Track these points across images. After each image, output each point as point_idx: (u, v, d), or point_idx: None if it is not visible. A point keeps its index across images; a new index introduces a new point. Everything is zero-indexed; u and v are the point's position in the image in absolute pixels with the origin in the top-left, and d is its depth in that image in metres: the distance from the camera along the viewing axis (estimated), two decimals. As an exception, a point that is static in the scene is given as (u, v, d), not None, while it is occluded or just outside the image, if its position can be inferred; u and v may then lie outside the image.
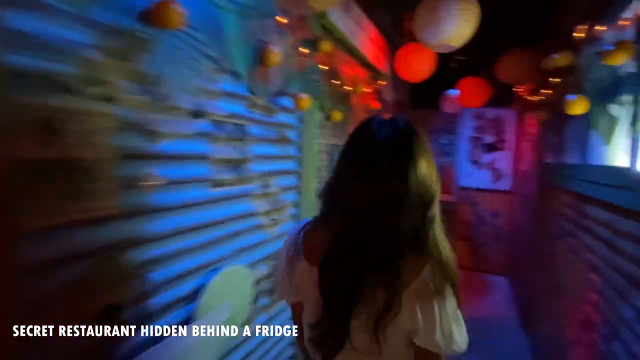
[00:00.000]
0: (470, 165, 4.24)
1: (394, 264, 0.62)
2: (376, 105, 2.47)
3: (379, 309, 0.62)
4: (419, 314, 0.63)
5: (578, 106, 1.40)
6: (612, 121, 1.28)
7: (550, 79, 2.05)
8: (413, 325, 0.63)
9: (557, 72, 1.97)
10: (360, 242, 0.64)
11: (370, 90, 2.40)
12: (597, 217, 1.43)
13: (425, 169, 0.65)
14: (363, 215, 0.64)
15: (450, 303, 0.64)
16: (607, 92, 1.26)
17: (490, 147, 4.13)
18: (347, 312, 0.64)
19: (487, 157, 4.16)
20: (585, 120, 1.62)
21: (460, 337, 0.65)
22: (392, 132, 0.66)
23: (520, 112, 3.57)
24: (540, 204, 2.55)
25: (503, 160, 4.07)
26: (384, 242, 0.63)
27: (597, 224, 1.41)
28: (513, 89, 3.32)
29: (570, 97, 1.43)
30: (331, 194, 0.72)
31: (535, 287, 2.53)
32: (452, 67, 3.22)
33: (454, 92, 3.29)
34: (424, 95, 4.38)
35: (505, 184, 4.07)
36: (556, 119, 2.12)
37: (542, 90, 2.27)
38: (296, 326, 0.85)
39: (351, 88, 2.06)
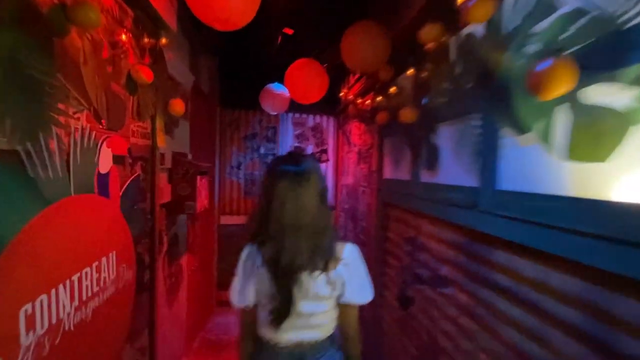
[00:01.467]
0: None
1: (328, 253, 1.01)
2: (147, 74, 1.35)
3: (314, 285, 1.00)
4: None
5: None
6: (549, 121, 0.77)
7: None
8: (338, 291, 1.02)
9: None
10: (292, 240, 0.97)
11: (123, 38, 1.26)
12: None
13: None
14: (297, 223, 0.98)
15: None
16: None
17: (313, 159, 3.77)
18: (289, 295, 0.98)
19: (309, 170, 3.76)
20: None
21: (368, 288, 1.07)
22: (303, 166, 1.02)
23: (345, 118, 3.32)
24: (380, 225, 2.17)
25: (327, 173, 3.77)
26: (316, 235, 0.99)
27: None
28: (340, 93, 2.98)
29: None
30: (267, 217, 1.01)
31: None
32: (277, 49, 2.52)
33: (278, 87, 2.62)
34: (240, 92, 3.53)
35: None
36: (402, 126, 1.71)
37: (389, 90, 1.85)
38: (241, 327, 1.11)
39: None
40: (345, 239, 1.11)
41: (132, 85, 1.36)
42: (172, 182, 1.99)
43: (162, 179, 1.79)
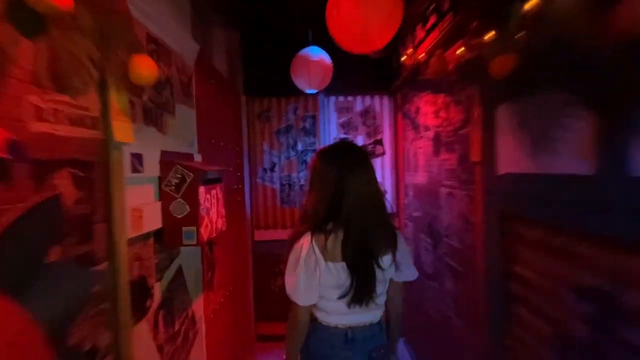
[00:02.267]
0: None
1: (394, 237, 1.08)
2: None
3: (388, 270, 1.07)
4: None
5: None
6: None
7: None
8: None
9: None
10: (370, 227, 1.00)
11: None
12: None
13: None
14: (370, 209, 1.01)
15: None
16: None
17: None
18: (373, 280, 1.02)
19: (360, 167, 2.96)
20: None
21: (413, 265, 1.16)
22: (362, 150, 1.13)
23: (407, 95, 2.47)
24: (496, 251, 1.31)
25: (383, 169, 2.94)
26: (385, 220, 1.07)
27: None
28: (398, 61, 2.14)
29: None
30: (332, 201, 1.00)
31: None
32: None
33: (315, 52, 1.86)
34: (269, 76, 2.82)
35: (388, 205, 2.96)
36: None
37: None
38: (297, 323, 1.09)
39: None
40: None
41: (22, 13, 0.66)
42: (161, 198, 1.31)
43: (136, 195, 1.11)
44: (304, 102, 2.87)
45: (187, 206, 1.31)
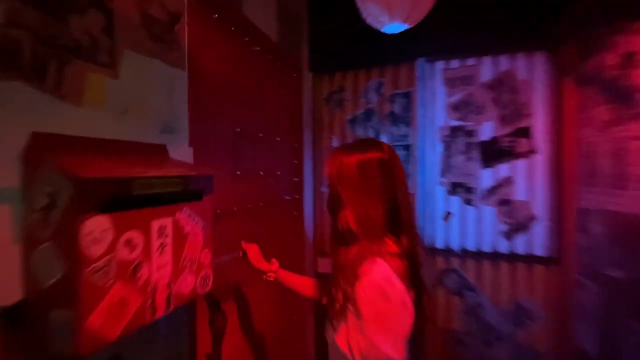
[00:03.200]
0: (449, 193, 1.86)
1: None
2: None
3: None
4: None
5: None
6: None
7: None
8: None
9: None
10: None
11: None
12: None
13: None
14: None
15: None
16: None
17: (497, 153, 1.80)
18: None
19: (489, 176, 1.81)
20: None
21: None
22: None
23: (595, 45, 1.26)
24: None
25: (529, 180, 1.75)
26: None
27: None
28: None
29: None
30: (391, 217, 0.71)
31: None
32: None
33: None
34: (341, 42, 1.99)
35: (538, 243, 1.72)
36: None
37: None
38: None
39: None
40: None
41: None
42: (26, 235, 0.60)
43: None
44: (393, 74, 1.91)
45: (61, 259, 0.57)
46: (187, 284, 0.82)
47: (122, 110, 0.84)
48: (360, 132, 2.00)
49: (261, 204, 1.49)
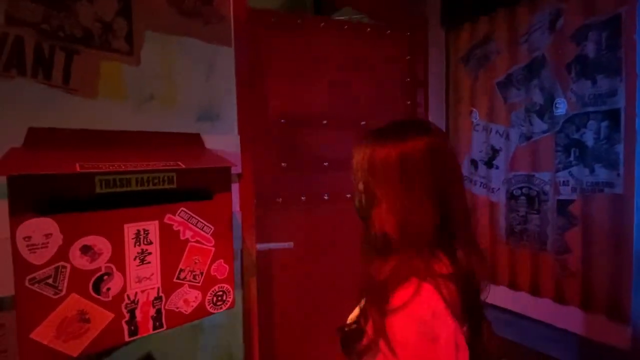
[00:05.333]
0: None
1: None
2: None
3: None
4: None
5: None
6: None
7: None
8: None
9: None
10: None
11: None
12: None
13: None
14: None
15: None
16: None
17: None
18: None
19: None
20: None
21: None
22: None
23: None
24: None
25: None
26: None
27: None
28: None
29: None
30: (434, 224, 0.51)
31: None
32: None
33: None
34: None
35: None
36: None
37: None
38: None
39: None
40: None
41: None
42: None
43: None
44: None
45: None
46: (189, 300, 0.69)
47: (147, 98, 0.80)
48: (517, 99, 1.36)
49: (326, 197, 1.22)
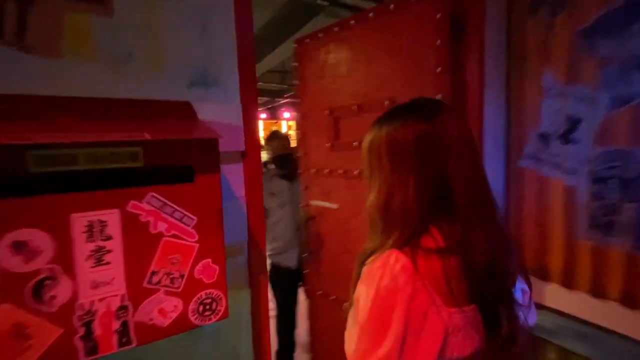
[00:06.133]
0: None
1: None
2: None
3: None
4: None
5: None
6: None
7: None
8: None
9: None
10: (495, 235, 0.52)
11: None
12: None
13: None
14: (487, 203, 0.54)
15: None
16: None
17: None
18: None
19: None
20: None
21: None
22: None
23: None
24: None
25: None
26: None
27: None
28: None
29: None
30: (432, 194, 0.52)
31: None
32: None
33: None
34: None
35: None
36: None
37: None
38: None
39: None
40: None
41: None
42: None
43: None
44: None
45: None
46: (167, 310, 0.55)
47: (124, 58, 0.66)
48: (609, 51, 1.02)
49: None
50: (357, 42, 1.43)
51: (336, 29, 1.49)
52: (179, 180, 0.53)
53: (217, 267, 0.58)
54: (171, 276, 0.54)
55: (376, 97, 1.35)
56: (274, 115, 8.30)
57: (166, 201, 0.53)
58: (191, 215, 0.55)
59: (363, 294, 0.48)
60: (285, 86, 5.93)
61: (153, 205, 0.52)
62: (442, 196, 0.51)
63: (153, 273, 0.53)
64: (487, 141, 1.24)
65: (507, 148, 1.29)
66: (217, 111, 0.73)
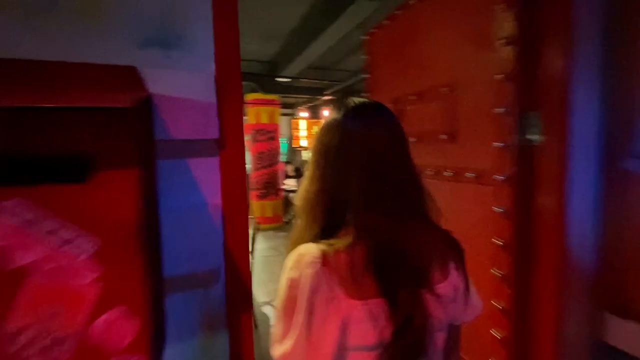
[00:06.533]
0: None
1: (453, 243, 0.58)
2: None
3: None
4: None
5: None
6: None
7: None
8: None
9: None
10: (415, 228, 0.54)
11: None
12: None
13: None
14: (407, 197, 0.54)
15: None
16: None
17: None
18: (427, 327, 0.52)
19: None
20: None
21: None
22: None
23: None
24: None
25: None
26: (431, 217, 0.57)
27: None
28: None
29: None
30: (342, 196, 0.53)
31: None
32: None
33: None
34: None
35: None
36: None
37: None
38: None
39: None
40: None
41: None
42: None
43: None
44: None
45: None
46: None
47: (44, 4, 0.46)
48: None
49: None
50: (418, 22, 1.32)
51: (399, 12, 1.40)
52: (64, 179, 0.32)
53: (136, 320, 0.36)
54: (50, 337, 0.33)
55: (435, 83, 1.17)
56: (315, 114, 8.08)
57: (42, 212, 0.32)
58: (88, 236, 0.33)
59: (281, 284, 0.50)
60: (326, 82, 5.70)
61: (15, 220, 0.31)
62: (363, 192, 0.51)
63: (16, 333, 0.32)
64: (576, 136, 0.90)
65: (604, 145, 0.94)
66: (180, 82, 0.52)
